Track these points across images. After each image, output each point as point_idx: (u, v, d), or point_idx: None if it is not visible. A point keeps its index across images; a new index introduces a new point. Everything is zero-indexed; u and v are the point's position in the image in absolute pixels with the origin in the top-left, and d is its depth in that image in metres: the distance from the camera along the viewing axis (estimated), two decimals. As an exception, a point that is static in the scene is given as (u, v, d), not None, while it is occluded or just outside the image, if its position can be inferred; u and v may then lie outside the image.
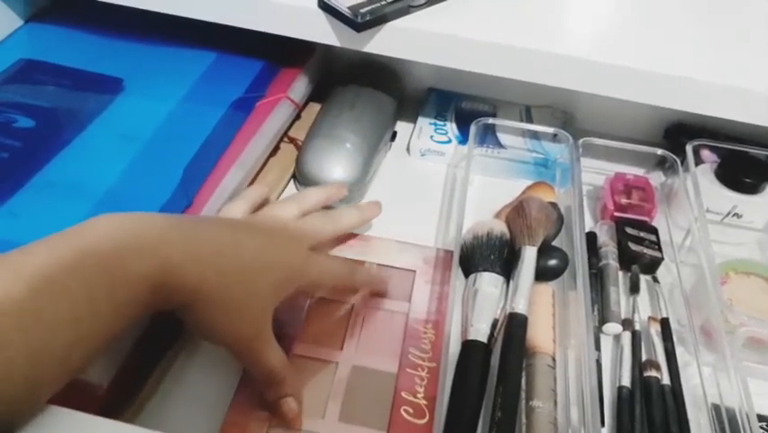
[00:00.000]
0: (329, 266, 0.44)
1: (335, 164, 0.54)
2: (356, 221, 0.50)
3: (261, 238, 0.39)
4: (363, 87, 0.61)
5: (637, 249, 0.51)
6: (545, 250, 0.47)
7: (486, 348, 0.41)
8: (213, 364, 0.42)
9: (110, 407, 0.37)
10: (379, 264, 0.49)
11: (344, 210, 0.50)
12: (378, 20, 0.48)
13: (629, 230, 0.53)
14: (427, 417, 0.39)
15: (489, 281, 0.45)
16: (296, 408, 0.38)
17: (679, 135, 0.61)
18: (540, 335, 0.43)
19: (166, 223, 0.34)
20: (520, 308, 0.42)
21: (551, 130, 0.58)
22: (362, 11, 0.47)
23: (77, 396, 0.31)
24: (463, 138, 0.61)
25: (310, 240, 0.43)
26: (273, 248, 0.39)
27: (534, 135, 0.60)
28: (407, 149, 0.62)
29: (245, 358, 0.37)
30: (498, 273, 0.45)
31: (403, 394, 0.41)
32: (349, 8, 0.47)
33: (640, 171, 0.58)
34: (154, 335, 0.40)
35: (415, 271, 0.49)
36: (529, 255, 0.45)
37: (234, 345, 0.37)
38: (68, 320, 0.28)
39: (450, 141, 0.61)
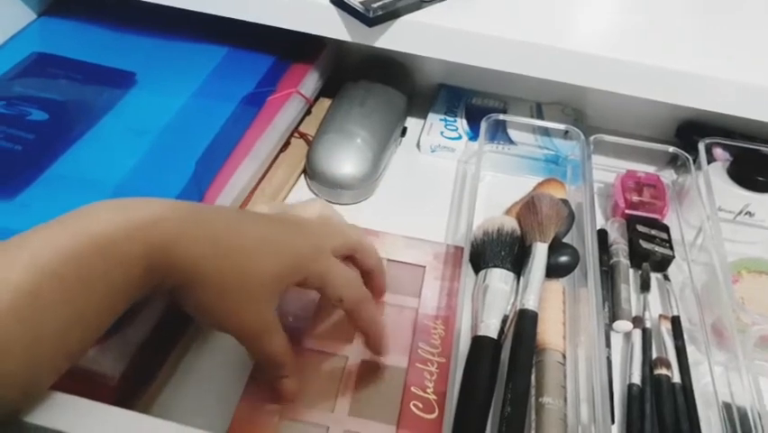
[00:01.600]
0: (340, 267, 0.39)
1: (346, 160, 0.54)
2: (376, 252, 0.44)
3: (270, 226, 0.38)
4: (374, 82, 0.61)
5: (648, 247, 0.51)
6: (556, 247, 0.47)
7: (496, 344, 0.41)
8: (224, 356, 0.42)
9: (122, 398, 0.37)
10: (389, 260, 0.49)
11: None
12: (389, 15, 0.48)
13: (640, 228, 0.52)
14: (437, 412, 0.39)
15: (499, 278, 0.44)
16: (294, 387, 0.38)
17: (691, 133, 0.60)
18: (550, 331, 0.43)
19: (161, 204, 0.33)
20: (530, 304, 0.42)
21: (562, 127, 0.58)
22: (374, 6, 0.47)
23: (90, 387, 0.32)
24: (474, 134, 0.61)
25: (330, 238, 0.39)
26: (282, 234, 0.37)
27: (545, 132, 0.60)
28: (418, 145, 0.62)
29: (245, 343, 0.36)
30: (508, 270, 0.45)
31: (412, 389, 0.40)
32: (361, 3, 0.47)
33: (652, 169, 0.58)
34: (166, 327, 0.40)
35: (425, 267, 0.48)
36: (540, 252, 0.45)
37: (233, 330, 0.36)
38: (64, 302, 0.29)
39: (460, 137, 0.61)
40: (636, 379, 0.44)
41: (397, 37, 0.50)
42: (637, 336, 0.46)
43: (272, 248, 0.36)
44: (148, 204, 0.33)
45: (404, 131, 0.62)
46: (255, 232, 0.36)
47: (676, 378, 0.44)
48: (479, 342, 0.42)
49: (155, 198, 0.34)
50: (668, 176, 0.57)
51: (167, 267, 0.32)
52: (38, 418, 0.29)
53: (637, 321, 0.47)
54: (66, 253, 0.29)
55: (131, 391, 0.38)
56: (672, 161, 0.58)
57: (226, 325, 0.36)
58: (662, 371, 0.44)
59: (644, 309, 0.48)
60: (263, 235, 0.36)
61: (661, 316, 0.48)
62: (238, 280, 0.34)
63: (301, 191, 0.56)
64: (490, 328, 0.42)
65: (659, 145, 0.57)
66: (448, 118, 0.63)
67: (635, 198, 0.54)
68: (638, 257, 0.51)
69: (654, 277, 0.51)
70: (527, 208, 0.47)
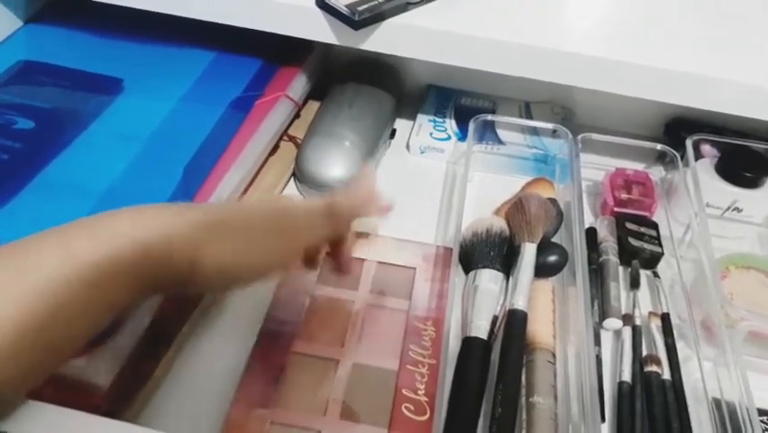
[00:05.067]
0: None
1: (335, 162, 0.54)
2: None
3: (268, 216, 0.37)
4: (362, 84, 0.61)
5: (637, 244, 0.51)
6: (545, 246, 0.47)
7: (486, 345, 0.42)
8: (214, 363, 0.42)
9: (111, 407, 0.37)
10: (379, 262, 0.49)
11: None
12: (375, 17, 0.48)
13: (629, 225, 0.53)
14: (428, 413, 0.40)
15: (488, 278, 0.45)
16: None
17: (679, 130, 0.61)
18: (540, 331, 0.43)
19: (195, 218, 0.32)
20: (520, 304, 0.42)
21: (550, 126, 0.58)
22: (360, 9, 0.47)
23: (79, 397, 0.32)
24: (463, 135, 0.61)
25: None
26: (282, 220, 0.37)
27: (534, 131, 0.60)
28: (407, 146, 0.62)
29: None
30: (497, 270, 0.45)
31: (404, 391, 0.41)
32: (347, 6, 0.47)
33: (640, 166, 0.58)
34: (154, 336, 0.40)
35: (415, 269, 0.49)
36: (529, 252, 0.45)
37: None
38: (80, 316, 0.28)
39: (449, 138, 0.61)
40: (627, 376, 0.44)
41: (383, 39, 0.50)
42: (627, 333, 0.46)
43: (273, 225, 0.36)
44: (162, 217, 0.31)
45: (393, 132, 0.62)
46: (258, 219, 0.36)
47: (666, 375, 0.44)
48: (469, 343, 0.42)
49: (172, 205, 0.33)
50: (656, 173, 0.58)
51: (190, 273, 0.31)
52: (27, 429, 0.29)
53: (627, 319, 0.47)
54: (89, 270, 0.28)
55: (120, 400, 0.38)
56: (661, 159, 0.58)
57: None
58: (653, 368, 0.44)
59: (634, 307, 0.48)
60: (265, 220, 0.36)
61: (650, 313, 0.48)
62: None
63: (291, 194, 0.56)
64: (480, 329, 0.42)
65: (647, 143, 0.57)
66: (437, 119, 0.63)
67: (624, 196, 0.55)
68: (627, 254, 0.51)
69: (644, 274, 0.51)
70: (516, 209, 0.47)
